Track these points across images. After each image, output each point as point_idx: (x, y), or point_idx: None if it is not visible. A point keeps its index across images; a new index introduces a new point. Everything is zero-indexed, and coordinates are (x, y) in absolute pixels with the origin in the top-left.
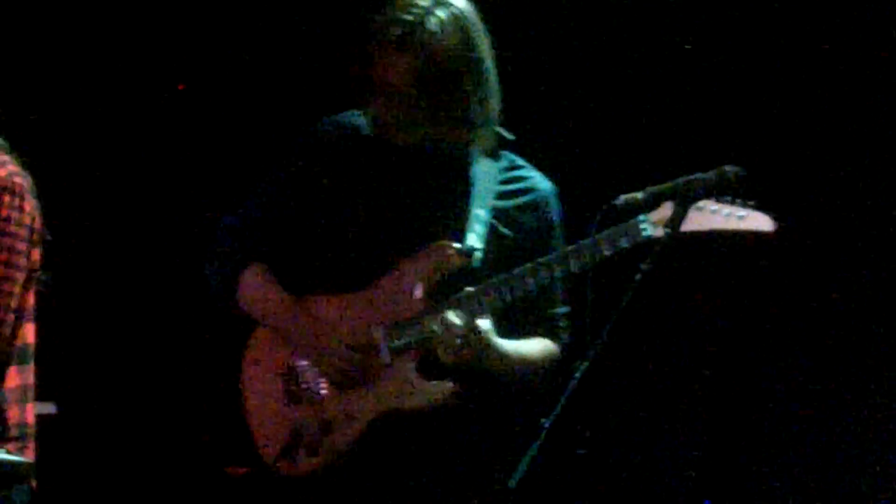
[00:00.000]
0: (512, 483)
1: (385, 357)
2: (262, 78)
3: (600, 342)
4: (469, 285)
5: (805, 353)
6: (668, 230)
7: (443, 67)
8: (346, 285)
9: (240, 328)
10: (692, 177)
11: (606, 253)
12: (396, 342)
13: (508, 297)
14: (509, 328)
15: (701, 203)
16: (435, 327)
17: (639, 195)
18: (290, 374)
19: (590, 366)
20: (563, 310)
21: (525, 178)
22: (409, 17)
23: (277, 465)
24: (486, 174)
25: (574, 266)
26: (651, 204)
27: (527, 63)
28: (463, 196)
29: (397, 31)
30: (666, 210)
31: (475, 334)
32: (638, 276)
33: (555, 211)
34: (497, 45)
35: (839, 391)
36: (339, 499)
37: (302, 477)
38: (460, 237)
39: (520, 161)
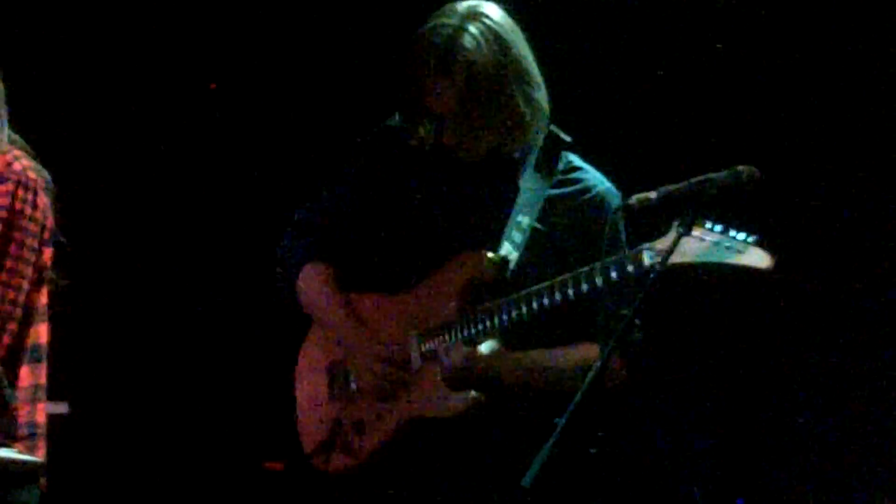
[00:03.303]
0: (526, 482)
1: (416, 363)
2: (285, 81)
3: (615, 341)
4: (503, 292)
5: (821, 353)
6: (681, 230)
7: (485, 82)
8: (392, 287)
9: (262, 326)
10: (705, 177)
11: (614, 277)
12: (425, 348)
13: (526, 313)
14: (558, 331)
15: (694, 231)
16: (442, 352)
17: (651, 195)
18: (335, 371)
19: (603, 365)
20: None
21: (581, 179)
22: (442, 40)
23: (313, 459)
24: (538, 180)
25: (584, 287)
26: (664, 204)
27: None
28: (508, 204)
29: (433, 57)
30: (670, 238)
31: (471, 366)
32: (653, 276)
33: (611, 209)
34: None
35: (855, 392)
36: (366, 499)
37: (334, 474)
38: (494, 245)
39: (578, 162)
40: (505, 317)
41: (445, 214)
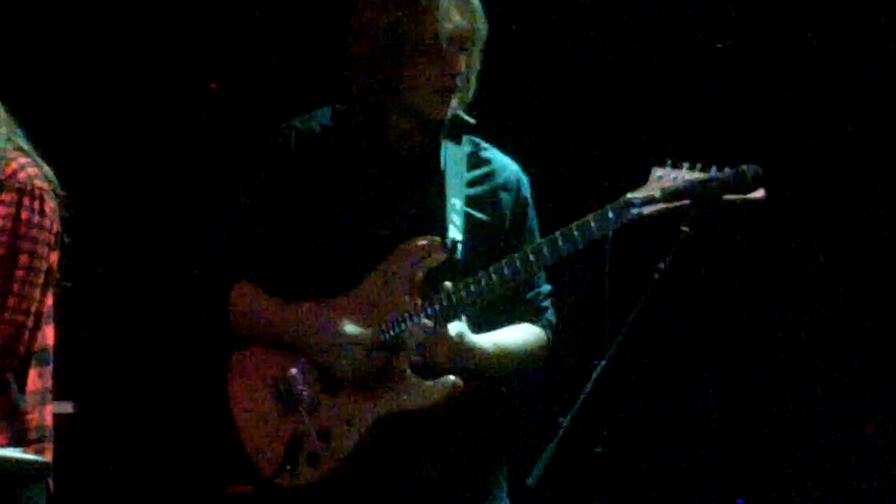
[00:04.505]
0: (531, 481)
1: (377, 359)
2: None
3: (619, 341)
4: (451, 276)
5: (823, 350)
6: (688, 231)
7: (483, 44)
8: (331, 289)
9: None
10: (709, 176)
11: (596, 230)
12: (386, 343)
13: (498, 288)
14: (493, 313)
15: (676, 173)
16: (407, 335)
17: (656, 194)
18: (282, 383)
19: (608, 364)
20: (545, 289)
21: (491, 160)
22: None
23: (278, 479)
24: (454, 162)
25: (564, 249)
26: (667, 202)
27: (535, 62)
28: (437, 187)
29: (462, 10)
30: (653, 185)
31: (442, 342)
32: (656, 275)
33: (526, 188)
34: (514, 44)
35: (858, 389)
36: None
37: (305, 488)
38: (440, 230)
39: (483, 144)
40: (484, 294)
41: (376, 206)
